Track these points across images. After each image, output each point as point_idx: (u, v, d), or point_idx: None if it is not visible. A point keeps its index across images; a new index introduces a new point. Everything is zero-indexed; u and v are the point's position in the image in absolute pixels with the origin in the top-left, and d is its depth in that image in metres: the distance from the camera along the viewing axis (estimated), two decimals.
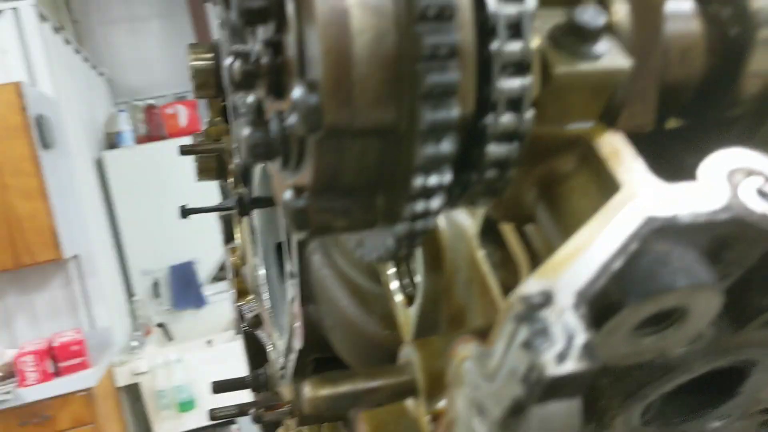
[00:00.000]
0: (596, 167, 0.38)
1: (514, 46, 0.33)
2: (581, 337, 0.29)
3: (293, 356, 0.81)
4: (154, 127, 5.90)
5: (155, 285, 5.64)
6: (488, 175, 0.36)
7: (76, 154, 4.90)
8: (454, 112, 0.31)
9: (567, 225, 0.39)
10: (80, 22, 6.21)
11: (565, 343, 0.29)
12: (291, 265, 0.76)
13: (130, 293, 5.56)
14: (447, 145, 0.32)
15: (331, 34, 0.30)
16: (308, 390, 0.43)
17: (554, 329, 0.29)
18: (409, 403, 0.48)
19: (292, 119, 0.32)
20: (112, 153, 5.65)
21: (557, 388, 0.29)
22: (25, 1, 4.54)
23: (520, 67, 0.33)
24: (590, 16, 0.36)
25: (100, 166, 5.56)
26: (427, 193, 0.33)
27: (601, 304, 0.32)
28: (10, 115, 4.10)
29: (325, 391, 0.43)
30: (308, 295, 0.74)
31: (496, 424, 0.32)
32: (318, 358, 0.79)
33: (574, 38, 0.36)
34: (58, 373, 4.15)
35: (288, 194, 0.35)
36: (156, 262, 5.57)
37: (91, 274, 4.77)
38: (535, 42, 0.35)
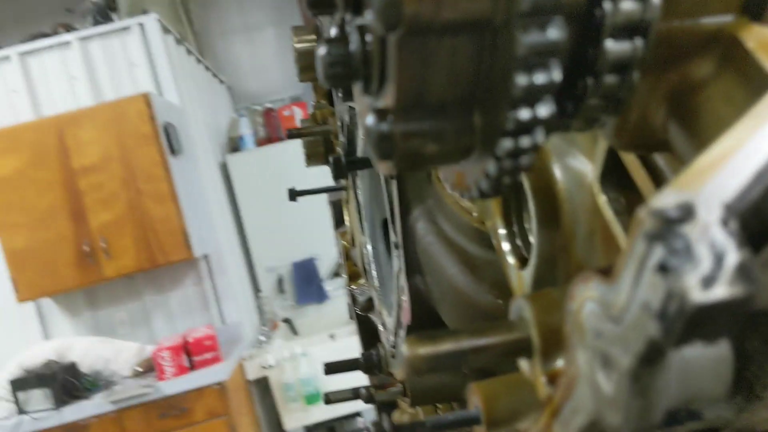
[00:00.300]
0: (742, 66, 0.31)
1: None
2: (733, 255, 0.23)
3: (402, 332, 0.76)
4: (272, 129, 6.09)
5: (279, 281, 5.81)
6: (607, 80, 0.30)
7: (201, 159, 5.13)
8: None
9: (707, 141, 0.32)
10: (200, 34, 6.50)
11: (713, 264, 0.23)
12: (394, 235, 0.72)
13: (256, 289, 5.77)
14: (555, 32, 0.26)
15: None
16: (407, 349, 0.38)
17: (698, 247, 0.23)
18: (523, 364, 0.42)
19: (368, 17, 0.28)
20: (235, 156, 5.88)
21: (704, 322, 0.23)
22: (150, 16, 4.80)
23: None
24: None
25: (224, 170, 5.80)
26: (533, 95, 0.27)
27: (755, 221, 0.25)
28: (140, 125, 4.34)
29: (426, 350, 0.38)
30: (414, 265, 0.70)
31: (625, 376, 0.26)
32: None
33: None
34: (192, 367, 4.35)
35: (370, 119, 0.31)
36: (279, 259, 5.75)
37: (220, 272, 4.99)
38: None
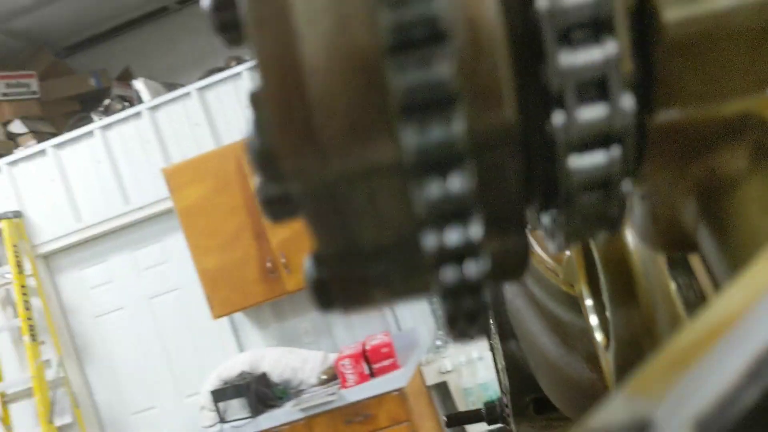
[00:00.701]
0: None
1: None
2: None
3: (508, 396, 0.70)
4: None
5: None
6: (584, 200, 0.23)
7: None
8: (457, 126, 0.19)
9: (737, 258, 0.24)
10: None
11: None
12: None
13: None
14: (458, 183, 0.20)
15: (266, 32, 0.20)
16: None
17: None
18: None
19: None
20: None
21: None
22: None
23: (595, 22, 0.20)
24: None
25: None
26: (451, 255, 0.21)
27: None
28: None
29: None
30: (506, 329, 0.63)
31: None
32: (537, 398, 0.67)
33: None
34: (373, 374, 4.45)
35: (307, 263, 0.27)
36: None
37: None
38: None
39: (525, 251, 0.25)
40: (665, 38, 0.22)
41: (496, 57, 0.19)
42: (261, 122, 0.21)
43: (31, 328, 4.54)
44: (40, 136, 5.24)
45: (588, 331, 0.53)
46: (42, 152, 4.99)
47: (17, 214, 4.80)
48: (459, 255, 0.21)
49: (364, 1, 0.19)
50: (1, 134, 5.29)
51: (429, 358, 4.90)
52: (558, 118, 0.21)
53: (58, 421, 4.64)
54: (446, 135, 0.19)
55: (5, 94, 5.29)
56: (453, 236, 0.20)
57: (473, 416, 0.93)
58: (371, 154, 0.20)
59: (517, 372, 0.65)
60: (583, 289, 0.53)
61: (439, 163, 0.20)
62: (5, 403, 4.62)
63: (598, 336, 0.51)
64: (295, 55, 0.19)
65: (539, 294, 0.59)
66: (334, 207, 0.22)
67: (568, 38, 0.20)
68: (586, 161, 0.22)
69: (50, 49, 5.74)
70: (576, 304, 0.56)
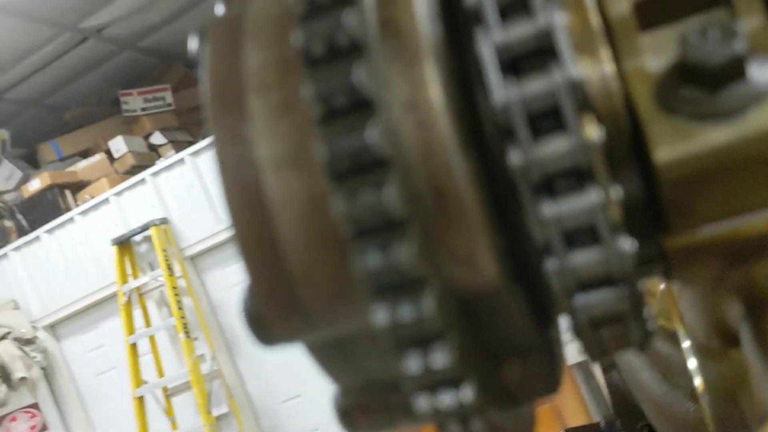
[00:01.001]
0: None
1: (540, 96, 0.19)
2: None
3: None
4: None
5: None
6: (598, 335, 0.22)
7: None
8: (427, 303, 0.19)
9: None
10: None
11: None
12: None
13: None
14: (442, 357, 0.20)
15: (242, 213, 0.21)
16: None
17: None
18: None
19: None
20: None
21: None
22: None
23: (574, 173, 0.19)
24: (713, 46, 0.19)
25: None
26: (447, 413, 0.21)
27: None
28: None
29: None
30: (607, 359, 0.61)
31: None
32: (648, 425, 0.64)
33: (692, 89, 0.20)
34: None
35: (335, 391, 0.27)
36: None
37: None
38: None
39: (553, 367, 0.25)
40: (662, 177, 0.20)
41: (471, 225, 0.19)
42: (250, 291, 0.22)
43: (185, 326, 4.88)
44: (179, 146, 5.59)
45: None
46: (181, 161, 5.32)
47: (164, 221, 5.15)
48: (455, 414, 0.21)
49: (328, 186, 0.19)
50: (144, 146, 5.70)
51: (567, 338, 4.79)
52: (551, 264, 0.20)
53: (216, 411, 4.97)
54: (416, 313, 0.19)
55: (144, 109, 5.69)
56: (445, 400, 0.20)
57: (593, 430, 0.90)
58: (355, 319, 0.21)
59: (622, 402, 0.62)
60: (679, 330, 0.51)
61: (414, 339, 0.19)
62: (168, 397, 5.01)
63: (697, 381, 0.48)
64: (272, 234, 0.20)
65: None
66: (334, 356, 0.23)
67: (548, 189, 0.19)
68: (592, 299, 0.21)
69: (181, 62, 6.09)
70: (675, 337, 0.53)
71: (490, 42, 0.20)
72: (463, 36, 0.21)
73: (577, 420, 4.64)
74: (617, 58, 0.22)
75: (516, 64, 0.20)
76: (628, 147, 0.21)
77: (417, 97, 0.20)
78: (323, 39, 0.20)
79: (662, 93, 0.20)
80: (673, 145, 0.20)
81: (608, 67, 0.22)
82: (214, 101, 0.22)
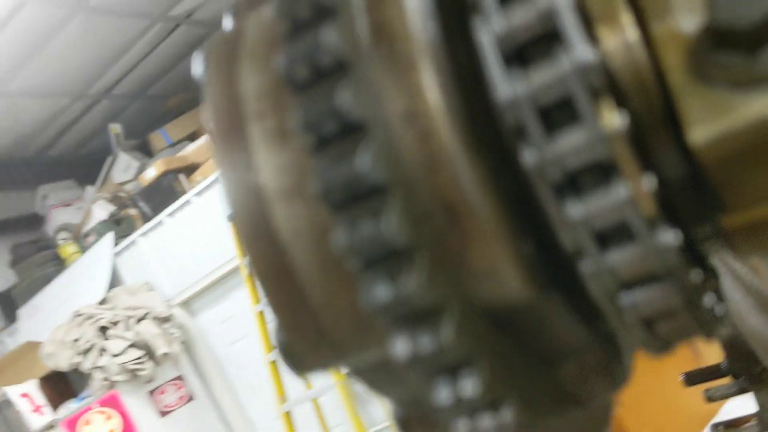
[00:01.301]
0: None
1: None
2: None
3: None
4: None
5: None
6: (657, 330, 0.20)
7: None
8: (446, 332, 0.18)
9: None
10: None
11: None
12: None
13: None
14: (471, 386, 0.18)
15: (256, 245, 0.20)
16: None
17: None
18: None
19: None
20: None
21: None
22: None
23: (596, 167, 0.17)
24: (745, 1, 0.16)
25: None
26: None
27: None
28: None
29: None
30: None
31: None
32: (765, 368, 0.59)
33: (728, 53, 0.17)
34: None
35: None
36: None
37: None
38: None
39: (615, 358, 0.23)
40: (702, 159, 0.17)
41: (489, 238, 0.17)
42: (279, 325, 0.22)
43: None
44: None
45: None
46: None
47: None
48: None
49: (328, 218, 0.18)
50: None
51: None
52: (585, 266, 0.18)
53: None
54: (436, 343, 0.18)
55: None
56: (484, 423, 0.19)
57: (713, 371, 0.86)
58: (381, 348, 0.20)
59: (737, 352, 0.58)
60: None
61: (439, 368, 0.18)
62: None
63: None
64: (287, 265, 0.19)
65: (741, 270, 0.52)
66: (377, 377, 0.22)
67: (571, 187, 0.17)
68: (638, 297, 0.19)
69: None
70: None
71: (489, 31, 0.18)
72: (467, 28, 0.20)
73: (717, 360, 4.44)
74: (642, 20, 0.19)
75: (520, 53, 0.18)
76: (663, 124, 0.18)
77: (416, 106, 0.18)
78: (304, 61, 0.19)
79: (696, 60, 0.17)
80: (711, 122, 0.17)
81: (632, 33, 0.19)
82: (217, 129, 0.22)
